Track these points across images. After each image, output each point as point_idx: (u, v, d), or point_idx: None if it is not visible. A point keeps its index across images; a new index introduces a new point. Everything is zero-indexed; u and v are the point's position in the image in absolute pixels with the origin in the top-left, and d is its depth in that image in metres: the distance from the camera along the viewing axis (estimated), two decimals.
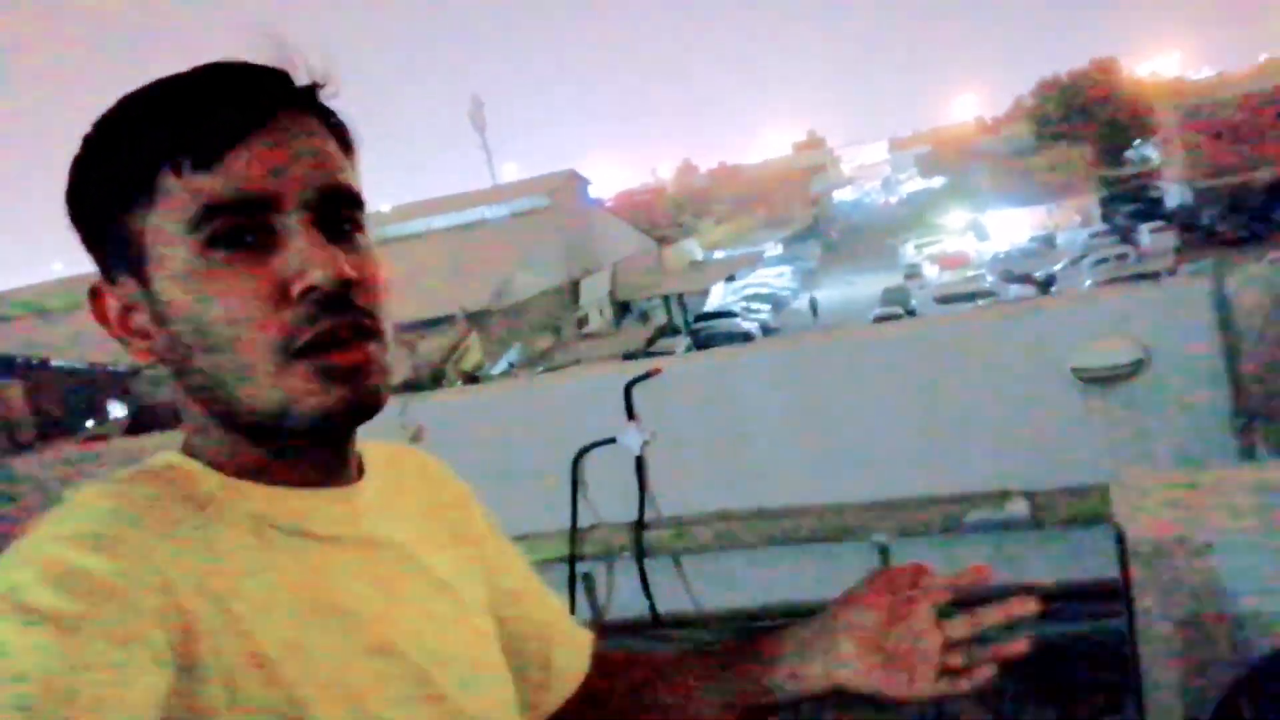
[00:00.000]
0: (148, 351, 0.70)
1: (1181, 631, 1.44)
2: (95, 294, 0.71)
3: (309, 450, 0.71)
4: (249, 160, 0.65)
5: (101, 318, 0.71)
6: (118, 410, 20.08)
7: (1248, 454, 2.26)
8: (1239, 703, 1.35)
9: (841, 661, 0.83)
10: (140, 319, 0.69)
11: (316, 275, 0.65)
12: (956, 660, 0.81)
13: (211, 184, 0.64)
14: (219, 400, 0.68)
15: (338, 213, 0.69)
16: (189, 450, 0.72)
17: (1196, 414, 2.32)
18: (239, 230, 0.65)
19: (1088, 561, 2.46)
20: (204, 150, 0.65)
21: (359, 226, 0.71)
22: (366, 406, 0.69)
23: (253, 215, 0.65)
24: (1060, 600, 2.54)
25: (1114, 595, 1.73)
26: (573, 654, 0.94)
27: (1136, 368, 2.35)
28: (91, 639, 0.53)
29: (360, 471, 0.77)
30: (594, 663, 0.95)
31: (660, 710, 0.91)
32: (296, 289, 0.65)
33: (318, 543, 0.70)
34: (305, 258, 0.66)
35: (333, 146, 0.71)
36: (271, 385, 0.66)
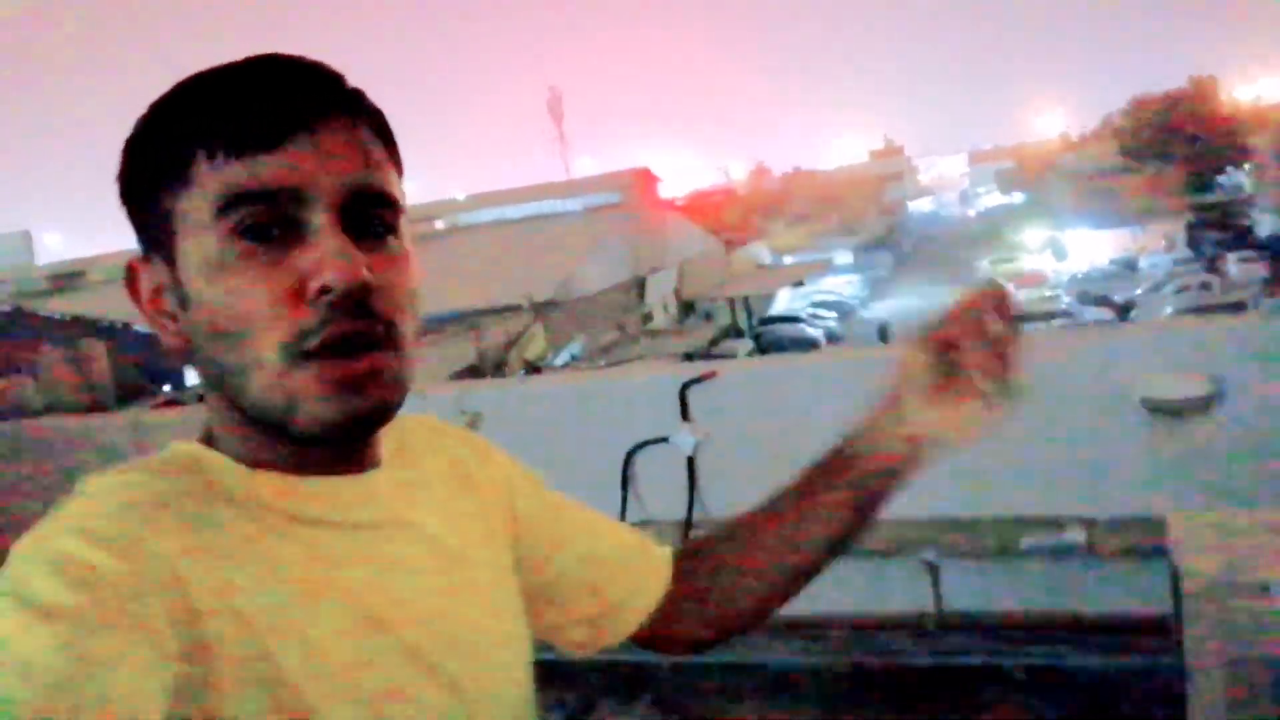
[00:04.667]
0: (174, 335, 0.70)
1: (1231, 674, 1.41)
2: (131, 271, 0.71)
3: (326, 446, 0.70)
4: (282, 153, 0.64)
5: (135, 295, 0.71)
6: (193, 378, 20.65)
7: None
8: None
9: (908, 421, 0.88)
10: (168, 301, 0.69)
11: (330, 276, 0.63)
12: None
13: (241, 172, 0.64)
14: (229, 392, 0.68)
15: (369, 214, 0.67)
16: (208, 439, 0.71)
17: (1266, 456, 2.25)
18: (265, 224, 0.64)
19: (1143, 595, 2.40)
20: (237, 139, 0.64)
21: (393, 230, 0.69)
22: (372, 418, 0.68)
23: (279, 208, 0.64)
24: (1112, 633, 2.48)
25: (1166, 631, 1.69)
26: (644, 575, 0.93)
27: (1208, 403, 2.28)
28: (98, 634, 0.53)
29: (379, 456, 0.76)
30: (678, 567, 0.94)
31: (766, 553, 0.91)
32: (311, 289, 0.64)
33: (335, 531, 0.69)
34: (324, 257, 0.64)
35: (374, 151, 0.69)
36: (278, 383, 0.65)
